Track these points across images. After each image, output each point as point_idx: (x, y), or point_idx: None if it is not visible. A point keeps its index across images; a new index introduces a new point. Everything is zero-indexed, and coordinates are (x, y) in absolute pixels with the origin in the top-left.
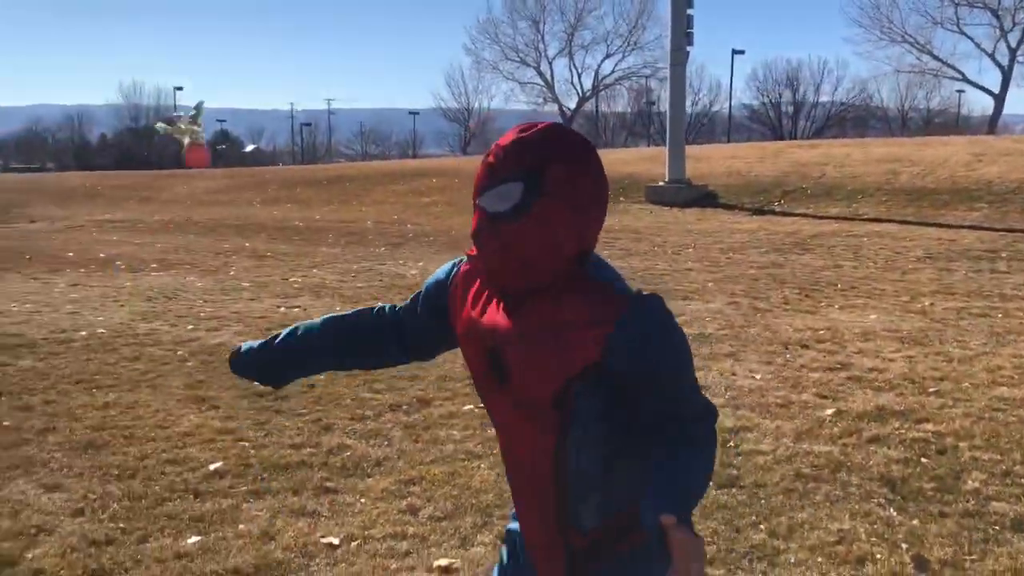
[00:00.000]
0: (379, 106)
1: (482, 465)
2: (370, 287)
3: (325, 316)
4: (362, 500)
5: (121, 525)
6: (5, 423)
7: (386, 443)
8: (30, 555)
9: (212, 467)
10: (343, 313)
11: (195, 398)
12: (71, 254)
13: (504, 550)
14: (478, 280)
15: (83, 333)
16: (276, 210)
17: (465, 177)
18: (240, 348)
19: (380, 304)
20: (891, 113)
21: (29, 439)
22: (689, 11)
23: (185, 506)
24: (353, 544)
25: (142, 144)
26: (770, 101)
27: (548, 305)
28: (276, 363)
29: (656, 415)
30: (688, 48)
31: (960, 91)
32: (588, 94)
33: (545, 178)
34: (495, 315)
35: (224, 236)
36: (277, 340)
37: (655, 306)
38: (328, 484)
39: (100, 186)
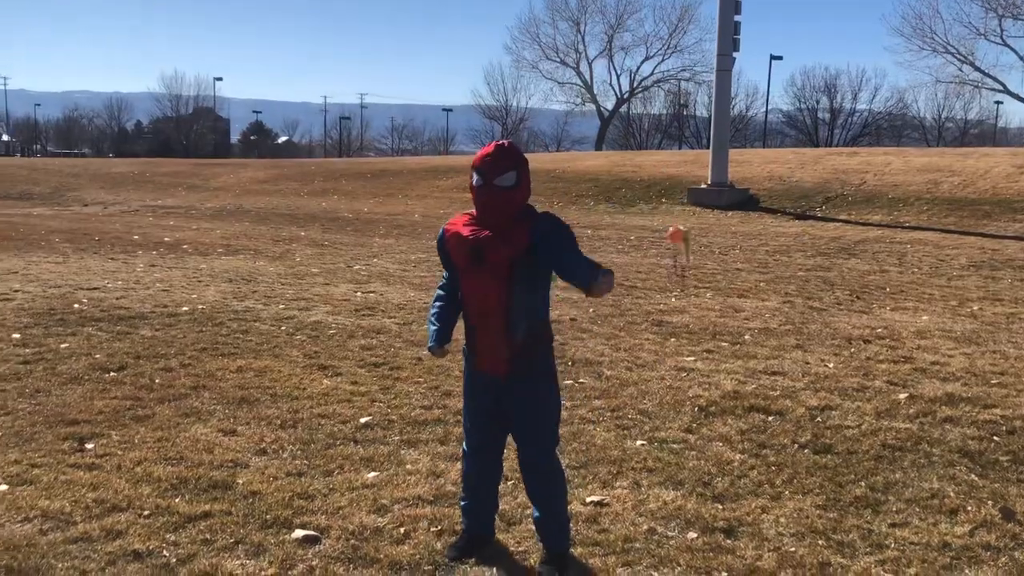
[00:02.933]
0: (410, 102)
1: (598, 428)
2: (432, 275)
3: (440, 306)
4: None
5: (305, 462)
6: (156, 380)
7: None
8: (240, 480)
9: (362, 420)
10: (442, 301)
11: (317, 366)
12: (136, 237)
13: (467, 366)
14: (457, 228)
15: (185, 308)
16: (324, 201)
17: None
18: (435, 339)
19: (440, 286)
20: (927, 123)
21: (187, 394)
22: (736, 17)
23: (351, 450)
24: (509, 483)
25: (181, 133)
26: (807, 107)
27: (508, 229)
28: (448, 335)
29: (562, 261)
30: (734, 54)
31: (998, 103)
32: (626, 95)
33: (522, 169)
34: (474, 236)
35: (279, 225)
36: (443, 326)
37: (552, 213)
38: None
39: (147, 173)
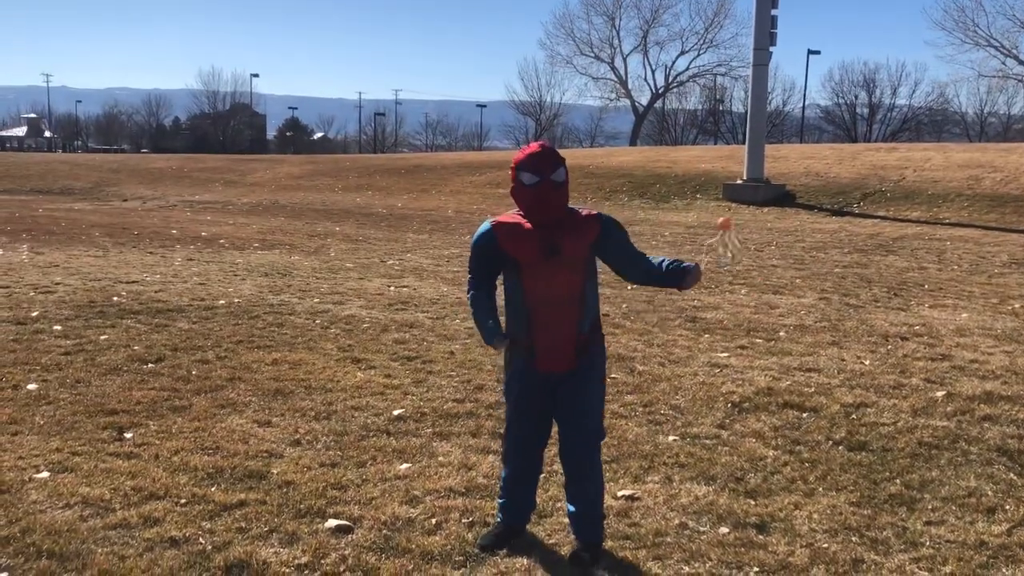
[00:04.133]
0: (445, 97)
1: (630, 423)
2: (465, 271)
3: (485, 306)
4: None
5: (338, 453)
6: (193, 372)
7: None
8: (275, 470)
9: (395, 413)
10: (482, 300)
11: (351, 359)
12: (174, 231)
13: (518, 367)
14: (516, 222)
15: (222, 302)
16: (358, 197)
17: None
18: (490, 329)
19: (473, 287)
20: (969, 118)
21: (223, 386)
22: (773, 12)
23: (384, 442)
24: (541, 476)
25: (218, 128)
26: (845, 102)
27: (568, 222)
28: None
29: (628, 255)
30: (771, 48)
31: None
32: (661, 91)
33: (566, 167)
34: (538, 231)
35: (314, 220)
36: (496, 321)
37: (611, 216)
38: (501, 431)
39: (185, 168)
